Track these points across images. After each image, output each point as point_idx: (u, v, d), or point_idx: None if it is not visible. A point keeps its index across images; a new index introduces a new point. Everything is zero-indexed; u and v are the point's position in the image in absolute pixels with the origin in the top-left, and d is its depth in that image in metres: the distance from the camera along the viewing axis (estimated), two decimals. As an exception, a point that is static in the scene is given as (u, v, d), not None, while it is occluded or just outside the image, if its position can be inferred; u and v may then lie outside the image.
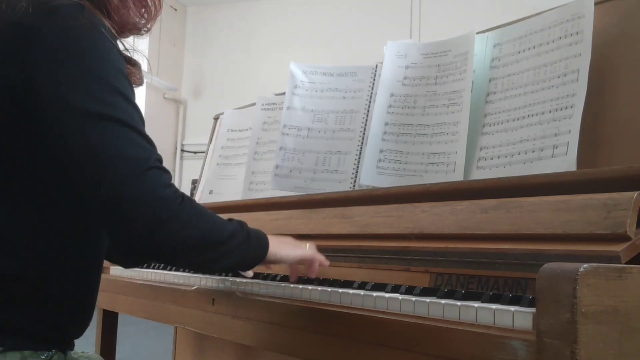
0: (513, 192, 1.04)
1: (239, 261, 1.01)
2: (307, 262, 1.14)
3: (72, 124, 0.84)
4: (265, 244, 1.04)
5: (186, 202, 0.89)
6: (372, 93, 1.52)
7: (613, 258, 0.80)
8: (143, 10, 1.00)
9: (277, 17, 7.81)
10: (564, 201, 0.92)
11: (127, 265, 1.42)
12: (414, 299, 0.89)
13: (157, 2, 1.02)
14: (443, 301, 0.84)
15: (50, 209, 0.91)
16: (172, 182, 0.90)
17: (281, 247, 1.07)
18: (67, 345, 0.99)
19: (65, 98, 0.84)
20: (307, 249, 1.14)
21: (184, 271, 1.45)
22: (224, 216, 1.01)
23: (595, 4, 1.12)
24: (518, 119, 1.17)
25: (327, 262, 1.16)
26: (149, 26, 1.03)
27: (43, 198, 0.90)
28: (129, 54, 1.01)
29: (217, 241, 0.94)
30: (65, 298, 0.94)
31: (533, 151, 1.12)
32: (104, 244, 1.02)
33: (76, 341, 1.05)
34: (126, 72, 0.91)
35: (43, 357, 0.91)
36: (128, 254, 1.24)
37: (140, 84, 1.02)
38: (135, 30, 1.01)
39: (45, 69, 0.84)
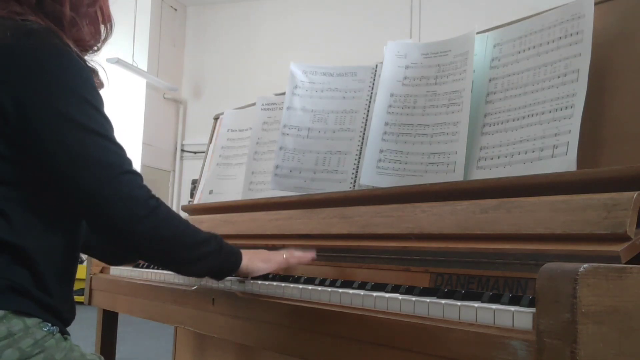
0: (513, 192, 1.04)
1: (212, 268, 1.12)
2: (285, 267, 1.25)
3: (53, 134, 0.94)
4: (238, 258, 1.15)
5: (160, 202, 1.01)
6: (372, 93, 1.51)
7: (613, 258, 0.80)
8: (94, 30, 1.11)
9: (277, 17, 7.81)
10: (564, 201, 0.92)
11: (111, 262, 1.55)
12: (414, 299, 0.89)
13: (108, 28, 1.14)
14: (443, 301, 0.84)
15: (42, 195, 1.00)
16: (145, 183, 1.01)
17: (254, 262, 1.18)
18: (63, 327, 1.03)
19: (47, 111, 0.94)
20: (280, 261, 1.23)
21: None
22: (224, 216, 1.03)
23: (595, 4, 1.12)
24: (518, 119, 1.17)
25: (308, 258, 1.24)
26: (98, 46, 1.13)
27: (35, 188, 0.99)
28: (93, 64, 1.11)
29: (191, 243, 1.05)
30: (52, 265, 1.01)
31: (533, 151, 1.12)
32: (83, 226, 1.12)
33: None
34: (95, 85, 1.03)
35: (45, 329, 0.97)
36: (113, 251, 1.37)
37: (101, 87, 1.12)
38: (85, 47, 1.10)
39: (28, 85, 0.94)
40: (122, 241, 1.02)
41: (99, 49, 1.14)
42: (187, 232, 1.05)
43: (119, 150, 1.00)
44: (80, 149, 0.95)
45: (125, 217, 0.96)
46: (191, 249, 1.05)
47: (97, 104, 1.00)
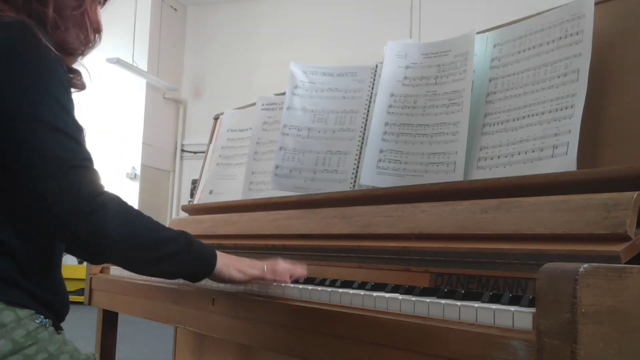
0: (513, 192, 1.04)
1: (180, 269, 1.04)
2: (262, 282, 1.15)
3: (12, 123, 0.93)
4: (210, 259, 1.07)
5: (112, 200, 0.96)
6: (372, 93, 1.52)
7: (613, 258, 0.80)
8: (82, 36, 1.10)
9: (277, 17, 7.81)
10: (564, 201, 0.92)
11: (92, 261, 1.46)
12: (414, 299, 0.89)
13: (97, 35, 1.13)
14: (443, 301, 0.84)
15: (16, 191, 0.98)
16: (101, 182, 0.97)
17: (229, 268, 1.09)
18: (56, 321, 1.03)
19: (10, 102, 0.93)
20: (255, 275, 1.13)
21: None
22: (224, 216, 1.02)
23: (595, 4, 1.12)
24: (518, 119, 1.17)
25: (286, 279, 1.15)
26: (84, 52, 1.13)
27: (7, 182, 0.98)
28: (77, 66, 1.11)
29: (148, 243, 0.99)
30: (35, 257, 1.01)
31: (533, 151, 1.12)
32: None
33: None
34: (67, 83, 1.01)
35: (37, 321, 0.97)
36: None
37: (82, 88, 1.12)
38: (70, 50, 1.08)
39: None
40: (65, 236, 0.98)
41: (83, 55, 1.12)
42: (143, 232, 0.98)
43: (74, 144, 0.96)
44: (32, 142, 0.93)
45: (67, 213, 0.91)
46: (148, 249, 0.98)
47: (63, 102, 0.98)
